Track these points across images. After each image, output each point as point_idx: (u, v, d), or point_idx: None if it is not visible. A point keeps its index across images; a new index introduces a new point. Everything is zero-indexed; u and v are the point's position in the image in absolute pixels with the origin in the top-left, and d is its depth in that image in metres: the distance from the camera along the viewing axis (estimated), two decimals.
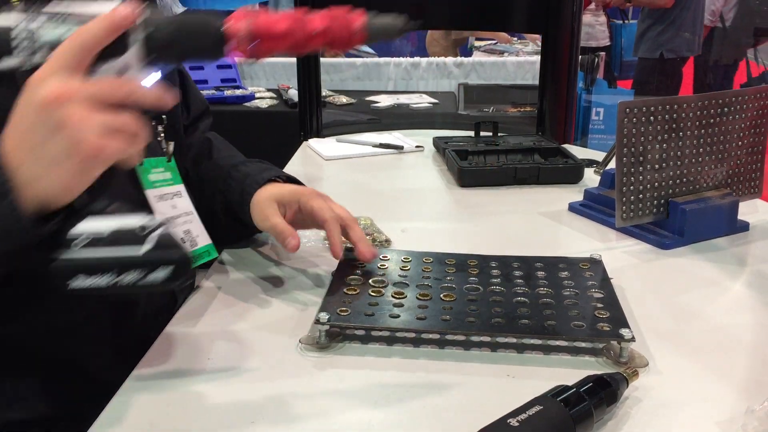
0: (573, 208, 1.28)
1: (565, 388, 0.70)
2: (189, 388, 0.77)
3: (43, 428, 0.86)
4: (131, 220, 0.66)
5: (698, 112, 1.14)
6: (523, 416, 0.64)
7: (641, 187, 1.12)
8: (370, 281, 0.94)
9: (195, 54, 0.69)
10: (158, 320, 0.90)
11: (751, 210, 1.26)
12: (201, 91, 3.54)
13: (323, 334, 0.84)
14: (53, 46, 0.64)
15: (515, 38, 5.22)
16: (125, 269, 0.64)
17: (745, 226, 1.19)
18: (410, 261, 1.01)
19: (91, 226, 0.65)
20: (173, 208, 0.95)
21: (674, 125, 1.12)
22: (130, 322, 0.93)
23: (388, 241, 1.13)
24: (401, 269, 0.98)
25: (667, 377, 0.79)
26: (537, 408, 0.65)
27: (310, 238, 1.12)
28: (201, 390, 0.76)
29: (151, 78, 0.68)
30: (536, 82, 3.74)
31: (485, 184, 1.40)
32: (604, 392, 0.70)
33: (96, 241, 0.64)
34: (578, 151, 1.58)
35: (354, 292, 0.91)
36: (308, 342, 0.85)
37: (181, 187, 0.98)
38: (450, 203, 1.34)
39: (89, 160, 0.62)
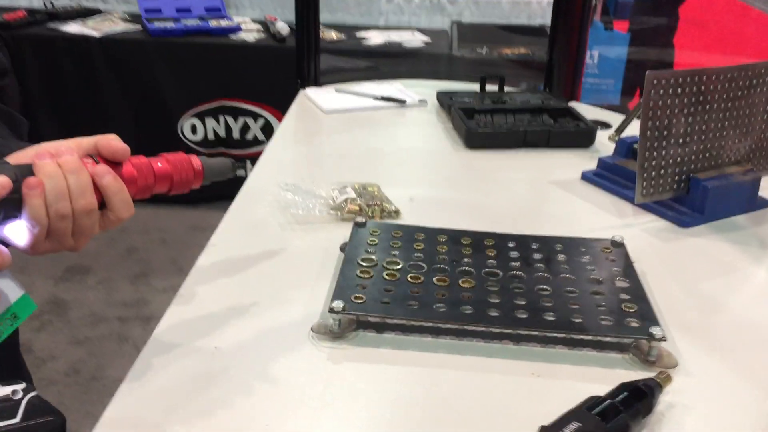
0: (586, 177, 1.23)
1: (600, 400, 0.66)
2: (195, 382, 0.72)
3: None
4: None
5: (726, 84, 1.08)
6: None
7: (663, 162, 1.07)
8: (383, 263, 0.89)
9: None
10: None
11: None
12: (181, 20, 3.37)
13: (337, 322, 0.80)
14: None
15: None
16: None
17: (764, 203, 1.15)
18: (423, 238, 0.96)
19: None
20: None
21: (701, 98, 1.07)
22: None
23: (397, 212, 1.07)
24: (415, 247, 0.93)
25: (698, 379, 0.76)
26: (575, 425, 0.62)
27: (315, 205, 1.06)
28: (208, 384, 0.72)
29: None
30: (531, 22, 3.64)
31: (493, 146, 1.34)
32: (640, 403, 0.67)
33: None
34: (586, 110, 1.52)
35: (368, 276, 0.86)
36: (320, 330, 0.80)
37: None
38: (458, 167, 1.29)
39: None
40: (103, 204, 0.69)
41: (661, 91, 1.03)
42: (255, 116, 3.19)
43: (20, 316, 0.71)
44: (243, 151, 3.26)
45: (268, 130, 3.20)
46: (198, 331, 0.80)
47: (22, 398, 0.60)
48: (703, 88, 1.06)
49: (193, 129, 3.22)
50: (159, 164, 0.74)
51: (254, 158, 3.24)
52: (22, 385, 0.61)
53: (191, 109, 3.18)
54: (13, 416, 0.59)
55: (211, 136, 3.23)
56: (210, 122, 3.21)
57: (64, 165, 0.66)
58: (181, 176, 0.75)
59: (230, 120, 3.21)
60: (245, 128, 3.22)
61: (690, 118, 1.07)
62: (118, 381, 0.72)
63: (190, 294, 0.87)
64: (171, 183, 0.75)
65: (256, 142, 3.24)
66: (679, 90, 1.04)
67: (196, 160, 0.77)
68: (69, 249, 0.69)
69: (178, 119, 3.19)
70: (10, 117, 0.92)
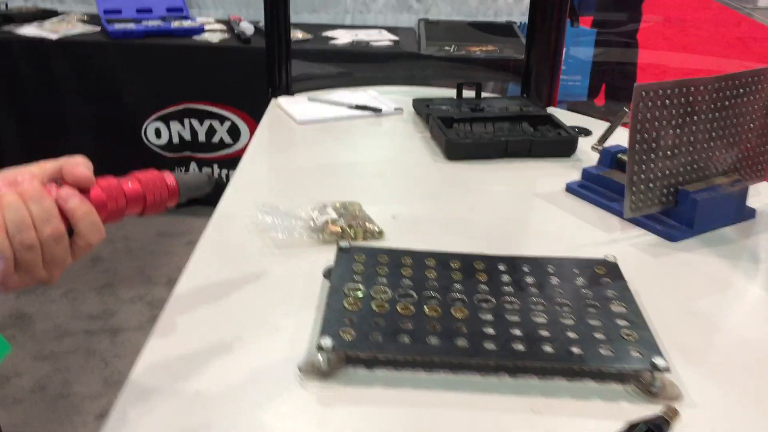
0: (571, 189, 1.20)
1: None
2: (174, 430, 0.67)
3: None
4: None
5: (714, 95, 1.06)
6: None
7: (652, 175, 1.04)
8: (371, 292, 0.85)
9: None
10: None
11: (752, 193, 1.20)
12: (141, 21, 3.31)
13: (325, 360, 0.75)
14: None
15: None
16: None
17: (751, 213, 1.13)
18: (411, 263, 0.91)
19: None
20: None
21: (689, 109, 1.04)
22: None
23: (380, 232, 1.03)
24: (403, 273, 0.89)
25: (704, 410, 0.73)
26: None
27: (295, 227, 1.01)
28: None
29: None
30: (497, 19, 3.61)
31: (474, 156, 1.31)
32: None
33: None
34: (564, 116, 1.49)
35: (355, 308, 0.81)
36: (308, 369, 0.76)
37: None
38: (439, 181, 1.25)
39: None
40: (72, 231, 0.64)
41: (650, 104, 1.00)
42: (221, 119, 3.11)
43: None
44: (209, 155, 3.19)
45: (234, 133, 3.13)
46: (177, 372, 0.75)
47: None
48: (691, 99, 1.03)
49: (158, 133, 3.13)
50: (130, 184, 0.70)
51: (221, 162, 3.17)
52: None
53: (155, 113, 3.09)
54: None
55: (176, 140, 3.15)
56: (175, 126, 3.13)
57: (24, 193, 0.62)
58: (155, 196, 0.71)
59: (195, 123, 3.13)
60: (211, 131, 3.14)
61: (678, 130, 1.04)
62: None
63: (167, 328, 0.82)
64: (144, 204, 0.70)
65: (223, 145, 3.17)
66: (667, 102, 1.02)
67: (170, 177, 0.72)
68: (42, 281, 0.65)
69: (141, 123, 3.10)
70: None
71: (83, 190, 0.66)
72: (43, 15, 3.19)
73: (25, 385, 2.22)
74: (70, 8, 3.41)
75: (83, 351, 2.38)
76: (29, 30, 3.03)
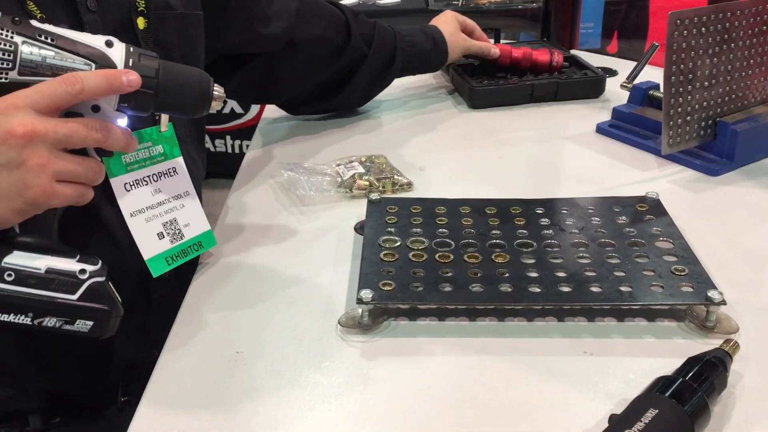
0: (601, 129, 1.16)
1: (670, 380, 0.60)
2: (219, 392, 0.65)
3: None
4: (70, 263, 0.64)
5: (751, 19, 1.01)
6: (640, 426, 0.54)
7: (689, 108, 1.00)
8: (407, 243, 0.82)
9: (175, 110, 0.68)
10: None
11: None
12: None
13: (366, 313, 0.73)
14: (34, 67, 0.61)
15: None
16: (44, 314, 0.62)
17: None
18: (445, 212, 0.88)
19: (26, 261, 0.62)
20: (155, 194, 0.76)
21: (726, 36, 0.99)
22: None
23: (410, 184, 1.00)
24: (438, 222, 0.86)
25: (762, 343, 0.70)
26: (653, 412, 0.56)
27: (322, 183, 0.98)
28: (235, 397, 0.65)
29: (121, 121, 0.65)
30: None
31: (499, 103, 1.27)
32: (715, 379, 0.61)
33: (27, 278, 0.61)
34: (587, 58, 1.44)
35: (393, 259, 0.79)
36: (348, 324, 0.73)
37: (176, 162, 0.78)
38: (465, 130, 1.21)
39: (35, 204, 0.61)
40: None
41: (685, 32, 0.96)
42: None
43: (204, 246, 0.80)
44: (221, 126, 3.15)
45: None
46: (216, 335, 0.73)
47: (86, 279, 0.63)
48: (727, 25, 0.99)
49: None
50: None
51: (233, 132, 3.13)
52: (93, 268, 0.64)
53: None
54: (72, 293, 0.62)
55: None
56: None
57: None
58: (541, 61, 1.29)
59: None
60: None
61: (715, 59, 1.00)
62: None
63: (201, 293, 0.80)
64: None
65: (234, 115, 3.13)
66: (703, 29, 0.97)
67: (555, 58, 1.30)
68: None
69: None
70: None
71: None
72: None
73: None
74: None
75: None
76: None
